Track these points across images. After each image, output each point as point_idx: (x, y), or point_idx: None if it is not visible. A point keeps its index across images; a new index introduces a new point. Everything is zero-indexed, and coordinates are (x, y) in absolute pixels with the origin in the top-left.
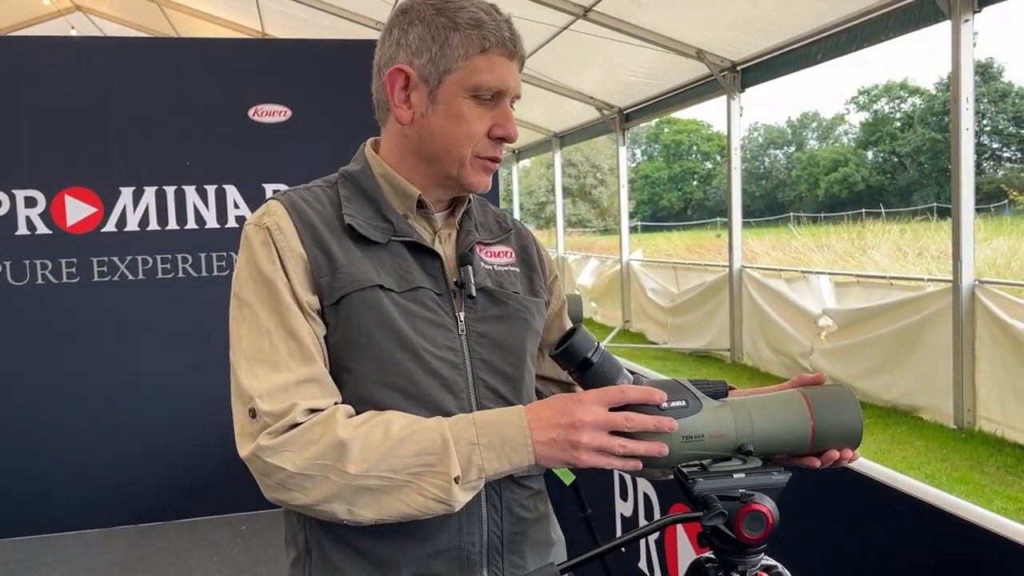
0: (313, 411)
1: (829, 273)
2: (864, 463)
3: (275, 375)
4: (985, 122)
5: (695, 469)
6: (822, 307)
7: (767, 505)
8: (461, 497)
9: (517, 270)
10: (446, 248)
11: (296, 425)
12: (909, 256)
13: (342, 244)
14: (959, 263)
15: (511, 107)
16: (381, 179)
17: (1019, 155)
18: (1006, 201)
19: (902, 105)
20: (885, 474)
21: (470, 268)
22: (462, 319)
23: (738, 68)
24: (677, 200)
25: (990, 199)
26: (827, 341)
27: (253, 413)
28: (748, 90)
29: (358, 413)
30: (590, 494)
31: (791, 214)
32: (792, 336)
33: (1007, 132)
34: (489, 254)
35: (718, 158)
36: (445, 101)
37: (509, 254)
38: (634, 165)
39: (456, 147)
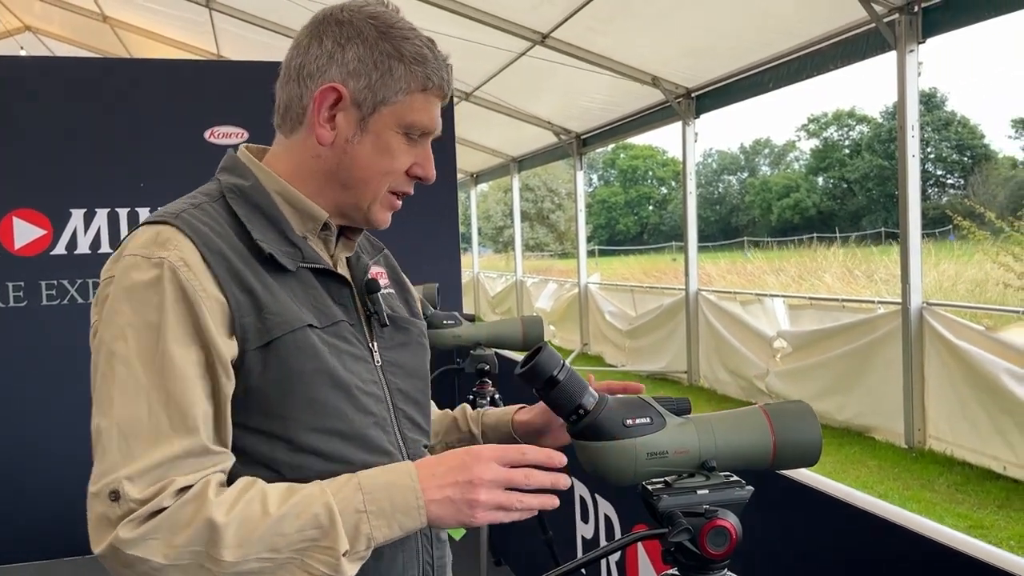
0: (183, 489)
1: (783, 296)
2: (823, 481)
3: (153, 451)
4: (929, 149)
5: (659, 486)
6: (776, 329)
7: (731, 520)
8: (349, 571)
9: (394, 292)
10: (346, 274)
11: (163, 510)
12: (859, 279)
13: (259, 276)
14: (907, 286)
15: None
16: (278, 197)
17: (962, 182)
18: (951, 226)
19: (850, 133)
20: (842, 491)
21: (379, 296)
22: (376, 349)
23: (692, 95)
24: (633, 224)
25: (935, 224)
26: (782, 363)
27: (116, 496)
28: (703, 116)
29: (294, 463)
30: (551, 516)
31: (745, 238)
32: (748, 358)
33: (950, 159)
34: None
35: (673, 183)
36: (375, 132)
37: (384, 275)
38: (591, 190)
39: (375, 180)
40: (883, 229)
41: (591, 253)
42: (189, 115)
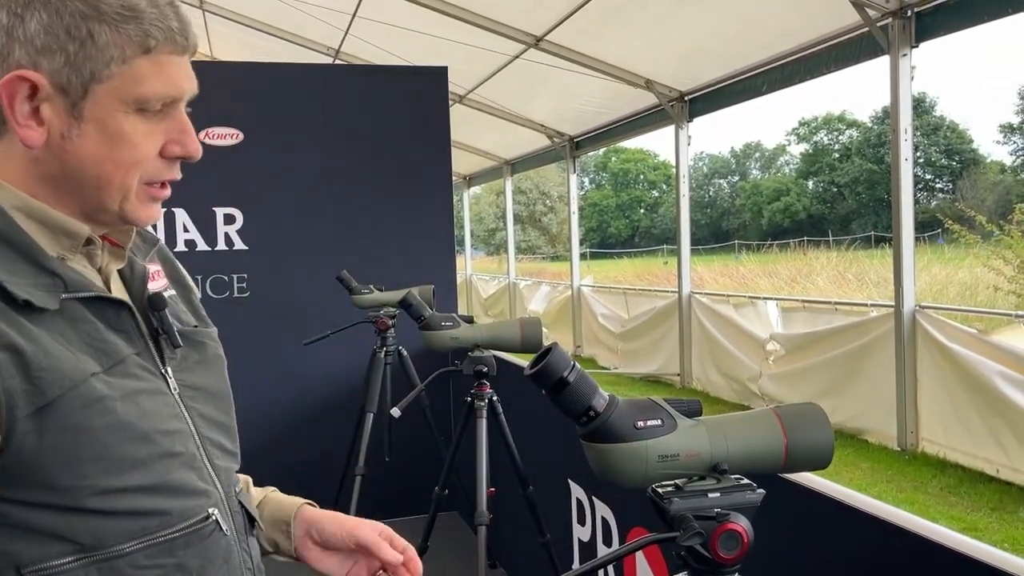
0: None
1: (776, 299)
2: (827, 484)
3: None
4: (919, 154)
5: (670, 489)
6: (769, 332)
7: (742, 524)
8: None
9: (175, 293)
10: (119, 290)
11: None
12: (851, 282)
13: (16, 326)
14: (900, 288)
15: (186, 112)
16: (19, 214)
17: (951, 186)
18: (940, 230)
19: (840, 137)
20: (845, 494)
21: (167, 313)
22: (170, 375)
23: (686, 98)
24: (625, 228)
25: (924, 228)
26: (775, 365)
27: None
28: (696, 119)
29: (95, 531)
30: (548, 519)
31: (736, 242)
32: (740, 360)
33: (939, 164)
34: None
35: (664, 187)
36: (96, 118)
37: (160, 274)
38: (583, 193)
39: (117, 176)
40: (873, 233)
41: (583, 256)
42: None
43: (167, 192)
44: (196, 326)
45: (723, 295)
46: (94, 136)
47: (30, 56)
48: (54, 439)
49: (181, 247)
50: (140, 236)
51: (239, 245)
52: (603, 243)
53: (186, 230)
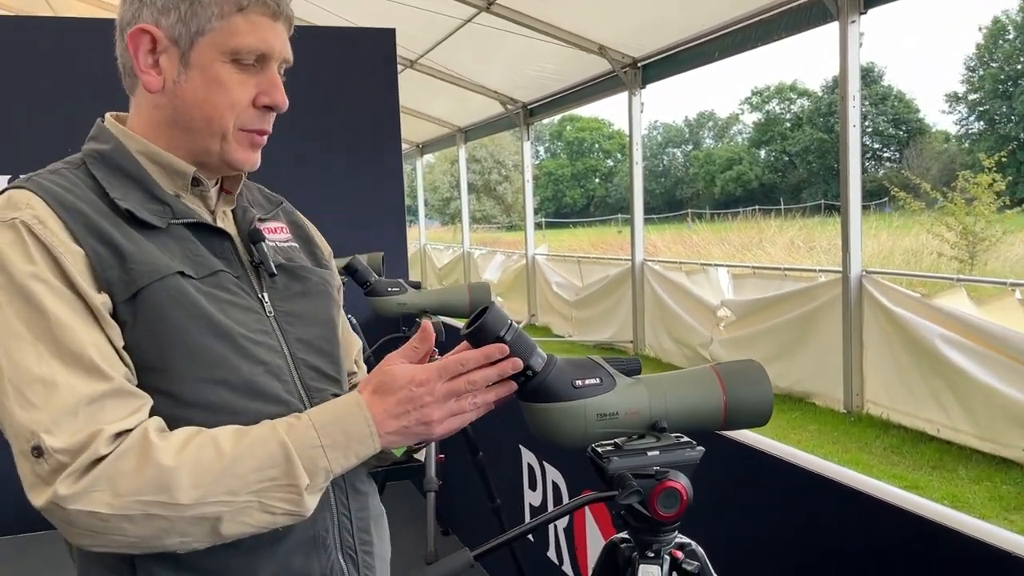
0: (120, 435)
1: (727, 265)
2: (773, 444)
3: (56, 398)
4: (867, 123)
5: (609, 448)
6: (720, 298)
7: (681, 482)
8: (311, 504)
9: (296, 246)
10: (228, 227)
11: (102, 458)
12: (801, 250)
13: (121, 230)
14: (848, 254)
15: (280, 74)
16: (142, 157)
17: (898, 155)
18: (887, 198)
19: (792, 106)
20: (789, 452)
21: (264, 245)
22: (267, 300)
23: (639, 64)
24: (580, 197)
25: (872, 196)
26: (726, 331)
27: (39, 451)
28: (648, 86)
29: (179, 418)
30: (499, 485)
31: (689, 211)
32: (692, 327)
33: (887, 133)
34: (267, 231)
35: (619, 156)
36: (200, 66)
37: (283, 230)
38: (537, 162)
39: (216, 118)
40: (823, 202)
41: (538, 226)
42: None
43: (263, 140)
44: (311, 266)
45: (675, 262)
46: (198, 81)
47: (153, 15)
48: (145, 324)
49: None
50: (266, 198)
51: None
52: (558, 213)
53: None
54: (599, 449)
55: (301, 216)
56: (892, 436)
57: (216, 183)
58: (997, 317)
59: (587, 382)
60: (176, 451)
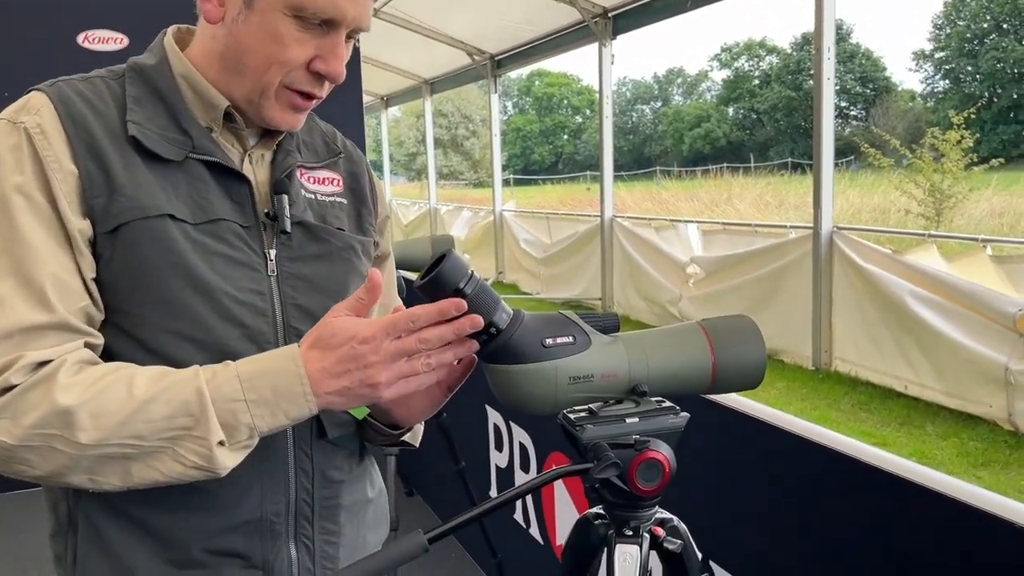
0: (40, 365)
1: (697, 221)
2: (760, 408)
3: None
4: (835, 81)
5: (583, 415)
6: (690, 255)
7: (663, 452)
8: (228, 461)
9: (344, 202)
10: (258, 172)
11: (12, 387)
12: (771, 206)
13: (125, 157)
14: (819, 210)
15: (353, 40)
16: (182, 80)
17: (864, 113)
18: (853, 157)
19: (760, 63)
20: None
21: (285, 198)
22: (272, 257)
23: (609, 14)
24: (549, 154)
25: (839, 155)
26: (694, 288)
27: None
28: (619, 37)
29: (141, 364)
30: (464, 446)
31: (658, 168)
32: (661, 284)
33: (854, 91)
34: (312, 180)
35: (588, 112)
36: (261, 11)
37: (337, 182)
38: (506, 118)
39: (263, 69)
40: (790, 160)
41: (506, 182)
42: (60, 16)
43: (308, 105)
44: (341, 229)
45: (645, 219)
46: (256, 27)
47: None
48: (121, 262)
49: None
50: (326, 143)
51: None
52: (527, 169)
53: None
54: (571, 416)
55: (368, 170)
56: (860, 393)
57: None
58: (967, 273)
59: (558, 341)
60: (82, 390)
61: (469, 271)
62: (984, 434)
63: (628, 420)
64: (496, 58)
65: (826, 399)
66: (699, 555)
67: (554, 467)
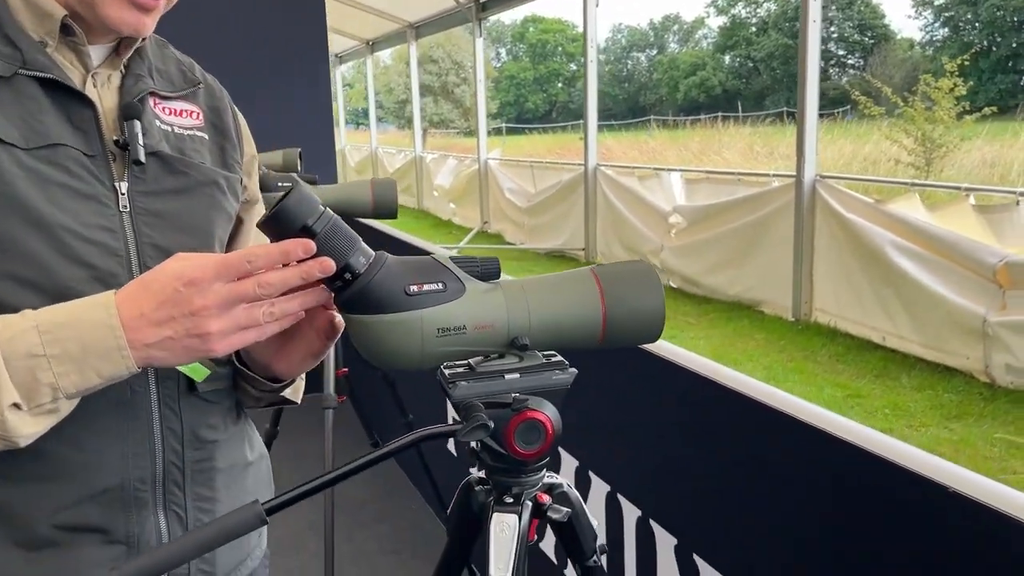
0: None
1: (680, 170)
2: (668, 348)
3: None
4: (832, 29)
5: (460, 370)
6: (673, 204)
7: (547, 412)
8: (26, 428)
9: (205, 136)
10: (104, 96)
11: None
12: (760, 157)
13: None
14: (802, 157)
15: None
16: None
17: (862, 62)
18: (848, 107)
19: (758, 10)
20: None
21: (137, 123)
22: (124, 191)
23: None
24: (542, 102)
25: (835, 104)
26: (676, 238)
27: None
28: None
29: None
30: (413, 399)
31: (652, 117)
32: (643, 234)
33: (852, 39)
34: (168, 111)
35: (583, 60)
36: None
37: (196, 115)
38: (499, 65)
39: None
40: (785, 109)
41: (498, 131)
42: None
43: (154, 3)
44: (203, 163)
45: (629, 167)
46: None
47: None
48: None
49: None
50: (183, 73)
51: None
52: (520, 118)
53: None
54: (447, 372)
55: (230, 105)
56: (838, 344)
57: (112, 43)
58: (950, 223)
59: (425, 288)
60: None
61: (320, 207)
62: (959, 386)
63: (507, 376)
64: (481, 0)
65: (803, 351)
66: (594, 523)
67: (422, 429)
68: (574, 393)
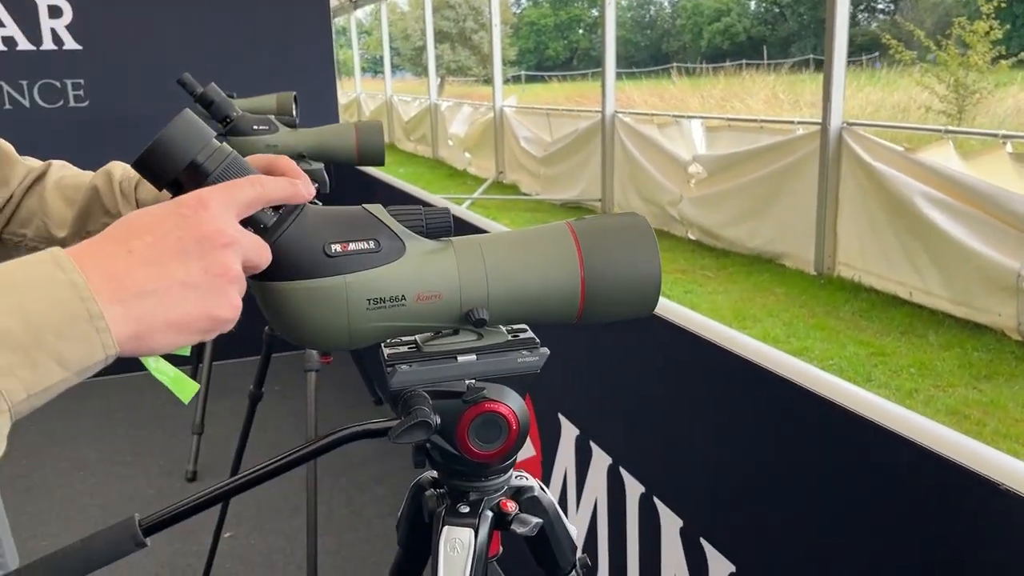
0: None
1: (700, 117)
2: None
3: None
4: None
5: (404, 350)
6: (692, 153)
7: (509, 403)
8: None
9: None
10: None
11: None
12: (784, 104)
13: None
14: (829, 103)
15: None
16: None
17: (892, 6)
18: (877, 54)
19: None
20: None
21: None
22: None
23: None
24: (563, 49)
25: (863, 51)
26: (696, 188)
27: None
28: None
29: None
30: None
31: (675, 65)
32: (662, 184)
33: None
34: None
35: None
36: None
37: None
38: (518, 11)
39: None
40: (811, 56)
41: (517, 79)
42: None
43: None
44: None
45: (647, 114)
46: None
47: None
48: None
49: None
50: None
51: (70, 44)
52: (540, 65)
53: (2, 24)
54: (388, 352)
55: None
56: (862, 300)
57: None
58: (985, 173)
59: (351, 247)
60: None
61: (212, 139)
62: (990, 344)
63: (461, 359)
64: None
65: (825, 306)
66: (573, 531)
67: (350, 425)
68: (577, 355)
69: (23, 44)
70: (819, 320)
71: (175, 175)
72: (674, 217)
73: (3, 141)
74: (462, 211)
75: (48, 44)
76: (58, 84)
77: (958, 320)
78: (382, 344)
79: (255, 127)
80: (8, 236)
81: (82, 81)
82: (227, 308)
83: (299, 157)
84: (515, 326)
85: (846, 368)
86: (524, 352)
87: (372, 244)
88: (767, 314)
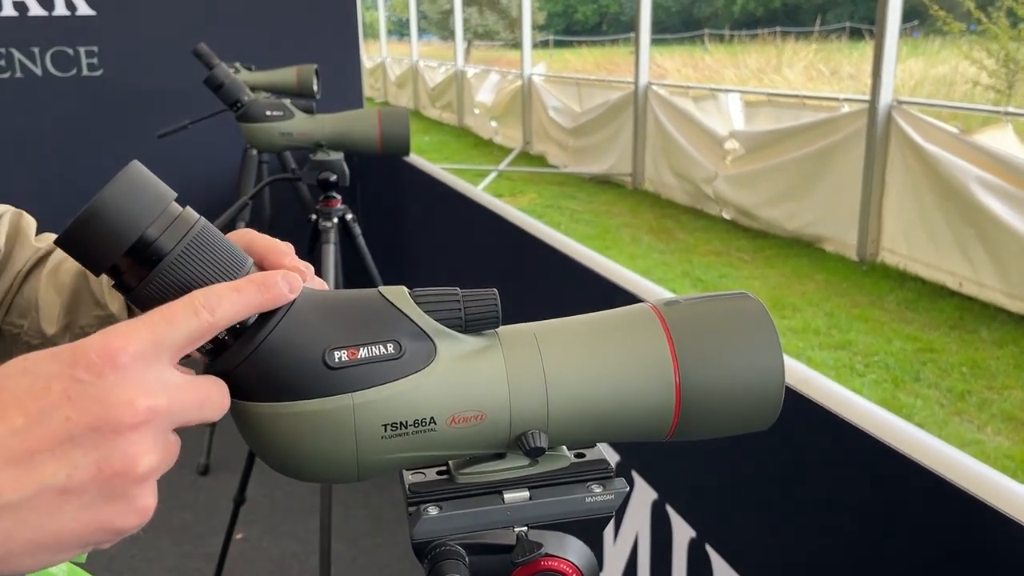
0: None
1: (739, 91)
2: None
3: None
4: None
5: (432, 478)
6: (729, 129)
7: (571, 559)
8: None
9: None
10: None
11: None
12: (823, 76)
13: None
14: (879, 79)
15: None
16: None
17: None
18: (916, 22)
19: None
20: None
21: None
22: None
23: None
24: (592, 14)
25: (903, 19)
26: (732, 166)
27: None
28: None
29: None
30: None
31: (707, 31)
32: (696, 160)
33: None
34: None
35: None
36: None
37: None
38: None
39: None
40: (848, 24)
41: (544, 44)
42: None
43: None
44: None
45: (683, 87)
46: None
47: None
48: None
49: (9, 10)
50: None
51: (84, 10)
52: (568, 30)
53: None
54: (409, 479)
55: None
56: (908, 290)
57: None
58: None
59: (361, 354)
60: None
61: (167, 202)
62: None
63: (509, 496)
64: None
65: (869, 296)
66: None
67: None
68: None
69: (35, 9)
70: (862, 311)
71: (113, 260)
72: (708, 195)
73: (28, 216)
74: (490, 200)
75: (61, 9)
76: (71, 52)
77: (1012, 315)
78: (403, 472)
79: (268, 113)
80: (7, 327)
81: (96, 48)
82: (128, 516)
83: (317, 146)
84: (580, 451)
85: (893, 366)
86: (593, 488)
87: (390, 348)
88: (807, 303)
